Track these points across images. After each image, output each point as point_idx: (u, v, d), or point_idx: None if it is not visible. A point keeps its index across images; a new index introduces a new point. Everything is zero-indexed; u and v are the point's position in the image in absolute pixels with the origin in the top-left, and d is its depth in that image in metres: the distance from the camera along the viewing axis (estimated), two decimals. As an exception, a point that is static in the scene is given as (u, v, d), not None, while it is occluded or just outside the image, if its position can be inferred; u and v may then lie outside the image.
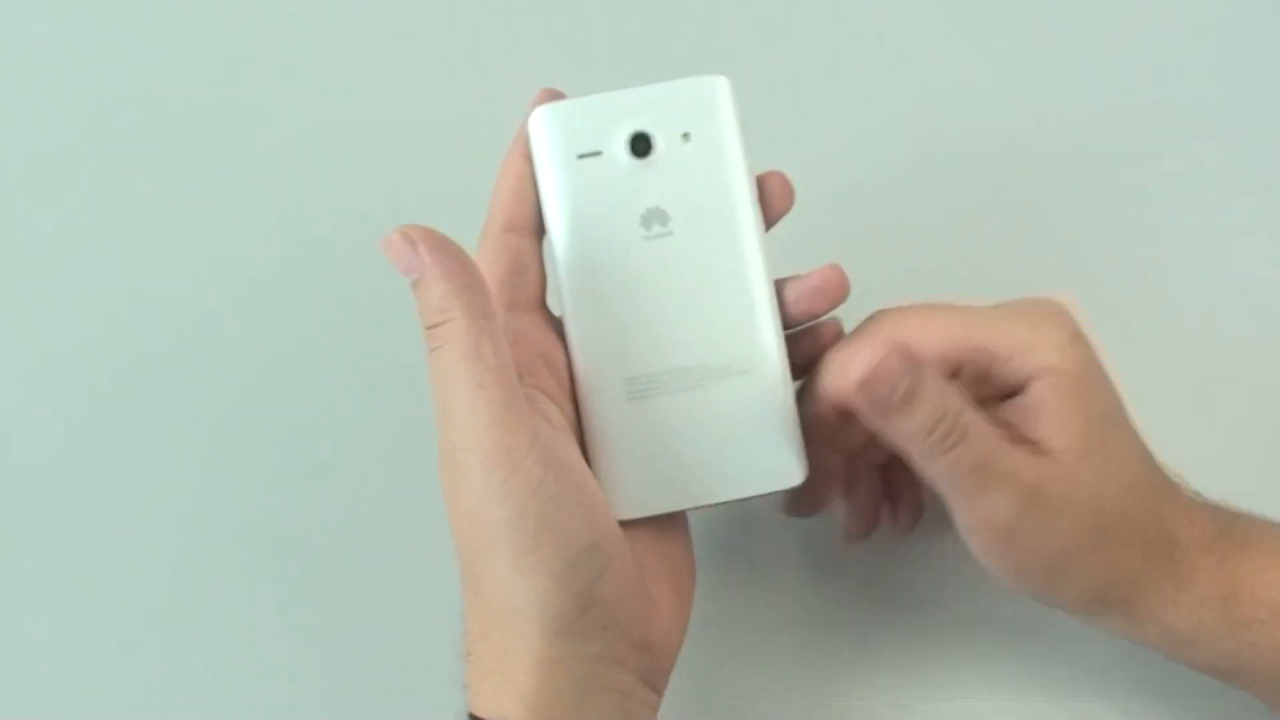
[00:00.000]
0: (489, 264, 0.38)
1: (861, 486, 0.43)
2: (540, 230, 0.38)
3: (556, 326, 0.39)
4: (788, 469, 0.38)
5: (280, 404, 0.48)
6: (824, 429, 0.39)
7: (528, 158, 0.38)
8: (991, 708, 0.44)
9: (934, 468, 0.36)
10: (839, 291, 0.39)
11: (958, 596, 0.45)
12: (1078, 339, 0.37)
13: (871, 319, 0.39)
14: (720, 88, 0.38)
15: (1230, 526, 0.38)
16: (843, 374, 0.36)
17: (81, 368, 0.48)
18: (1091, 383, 0.37)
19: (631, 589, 0.36)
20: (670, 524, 0.39)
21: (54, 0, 0.52)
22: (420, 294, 0.34)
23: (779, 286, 0.39)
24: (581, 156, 0.38)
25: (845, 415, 0.37)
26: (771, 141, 0.39)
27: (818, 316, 0.39)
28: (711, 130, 0.38)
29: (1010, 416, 0.37)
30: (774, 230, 0.39)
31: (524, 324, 0.38)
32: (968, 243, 0.49)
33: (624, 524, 0.37)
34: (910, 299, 0.39)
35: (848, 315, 0.39)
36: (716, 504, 0.38)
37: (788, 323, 0.39)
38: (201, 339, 0.49)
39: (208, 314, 0.49)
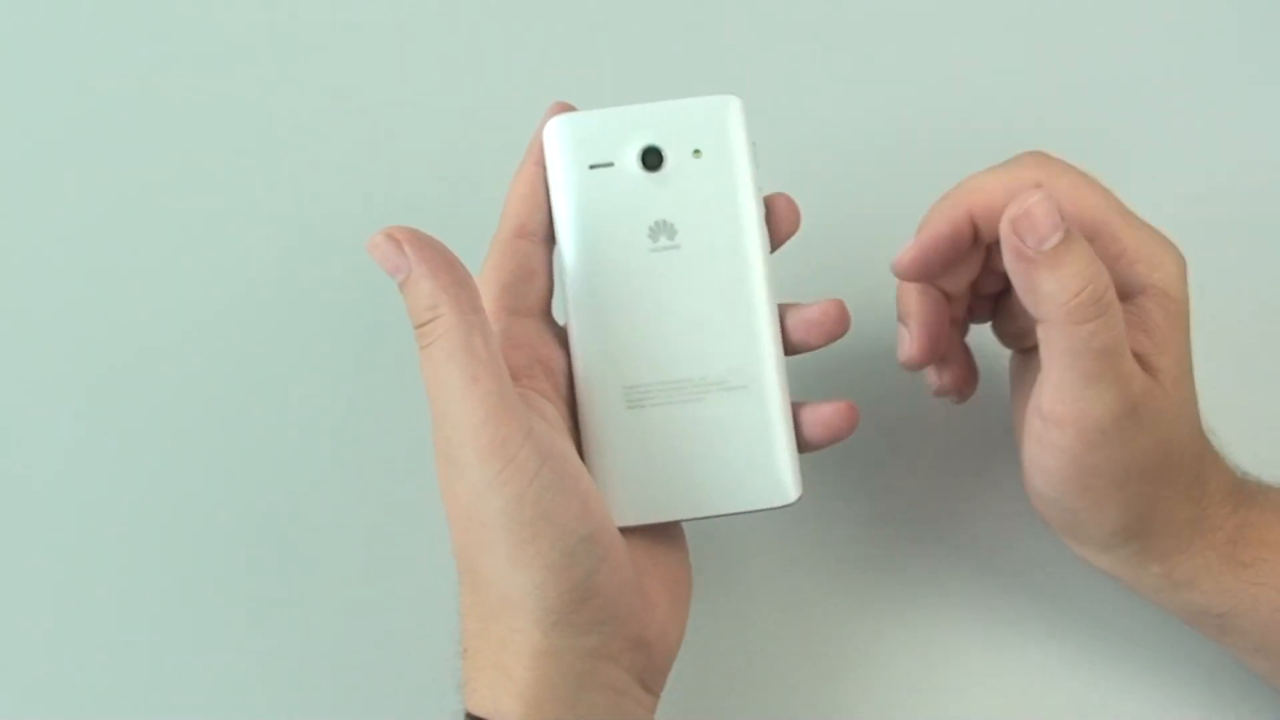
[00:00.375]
0: (497, 268, 0.38)
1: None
2: (550, 238, 0.39)
3: (559, 334, 0.40)
4: (780, 487, 0.39)
5: (278, 406, 0.48)
6: (939, 252, 0.38)
7: (541, 166, 0.39)
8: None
9: (1064, 338, 0.34)
10: (838, 327, 0.39)
11: (958, 603, 0.45)
12: (1185, 275, 0.38)
13: (1022, 159, 0.39)
14: (733, 107, 0.39)
15: (1244, 481, 0.40)
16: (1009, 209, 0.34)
17: (82, 367, 0.49)
18: (1186, 322, 0.38)
19: (628, 584, 0.36)
20: (665, 530, 0.39)
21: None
22: (408, 293, 0.34)
23: (780, 312, 0.39)
24: (594, 167, 0.38)
25: (962, 248, 0.38)
26: (777, 157, 0.40)
27: (813, 348, 0.39)
28: (722, 148, 0.38)
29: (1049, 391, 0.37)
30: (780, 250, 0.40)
31: (526, 328, 0.38)
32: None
33: (619, 531, 0.37)
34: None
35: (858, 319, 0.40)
36: (707, 517, 0.39)
37: (784, 349, 0.39)
38: (199, 339, 0.49)
39: (206, 314, 0.49)
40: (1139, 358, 0.36)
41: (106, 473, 0.48)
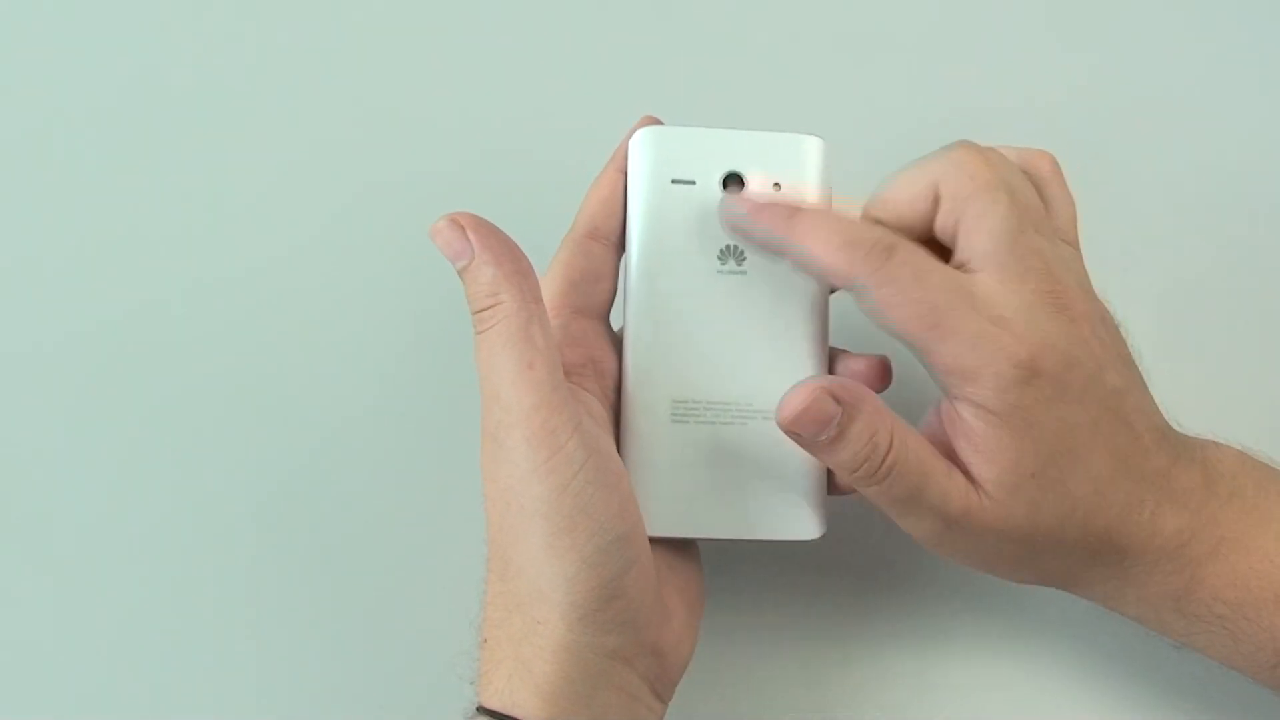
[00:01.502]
0: (566, 265, 0.39)
1: None
2: (620, 244, 0.40)
3: (615, 340, 0.40)
4: (807, 522, 0.39)
5: (289, 399, 0.48)
6: None
7: (623, 173, 0.40)
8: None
9: (862, 492, 0.37)
10: (879, 383, 0.40)
11: (958, 611, 0.45)
12: (1029, 379, 0.35)
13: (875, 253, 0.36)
14: (816, 148, 0.40)
15: (1211, 523, 0.38)
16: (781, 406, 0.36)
17: (83, 366, 0.48)
18: (1032, 424, 0.35)
19: (652, 589, 0.36)
20: (685, 545, 0.40)
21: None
22: (469, 279, 0.35)
23: (830, 355, 0.40)
24: (675, 182, 0.39)
25: None
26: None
27: None
28: (801, 186, 0.39)
29: (946, 419, 0.37)
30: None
31: (585, 328, 0.39)
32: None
33: None
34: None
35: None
36: (732, 540, 0.39)
37: None
38: (207, 334, 0.49)
39: (212, 309, 0.49)
40: (964, 468, 0.36)
41: (111, 469, 0.47)
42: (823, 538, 0.39)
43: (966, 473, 0.36)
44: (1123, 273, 0.43)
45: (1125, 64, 0.52)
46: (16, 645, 0.46)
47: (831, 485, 0.40)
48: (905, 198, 0.38)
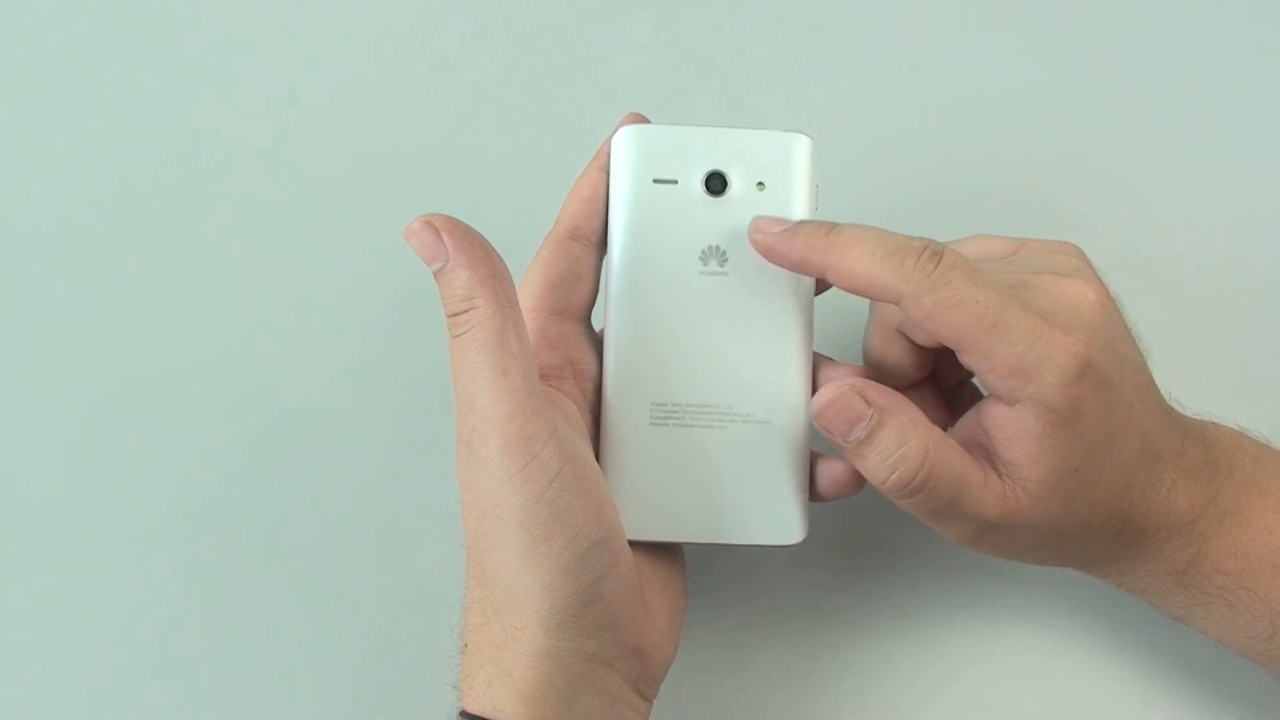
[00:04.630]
0: (547, 266, 0.39)
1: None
2: (602, 245, 0.39)
3: (595, 341, 0.40)
4: (787, 527, 0.39)
5: (276, 401, 0.48)
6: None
7: (605, 172, 0.39)
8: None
9: (897, 503, 0.37)
10: None
11: (954, 616, 0.45)
12: (1086, 371, 0.35)
13: (913, 250, 0.36)
14: (803, 146, 0.39)
15: (1216, 498, 0.38)
16: (815, 397, 0.37)
17: (83, 367, 0.48)
18: (1083, 417, 0.35)
19: (632, 593, 0.36)
20: (667, 546, 0.40)
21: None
22: (443, 282, 0.34)
23: (814, 360, 0.40)
24: (657, 181, 0.39)
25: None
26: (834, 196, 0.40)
27: None
28: (786, 185, 0.39)
29: (990, 423, 0.37)
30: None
31: (564, 330, 0.39)
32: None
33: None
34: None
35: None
36: (711, 544, 0.39)
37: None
38: (189, 337, 0.48)
39: (197, 313, 0.49)
40: (1009, 466, 0.36)
41: (105, 469, 0.47)
42: (803, 542, 0.39)
43: (1009, 474, 0.36)
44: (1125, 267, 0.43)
45: (1125, 64, 0.51)
46: (12, 645, 0.46)
47: (813, 492, 0.39)
48: None
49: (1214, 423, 0.40)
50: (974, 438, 0.37)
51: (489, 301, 0.34)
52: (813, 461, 0.39)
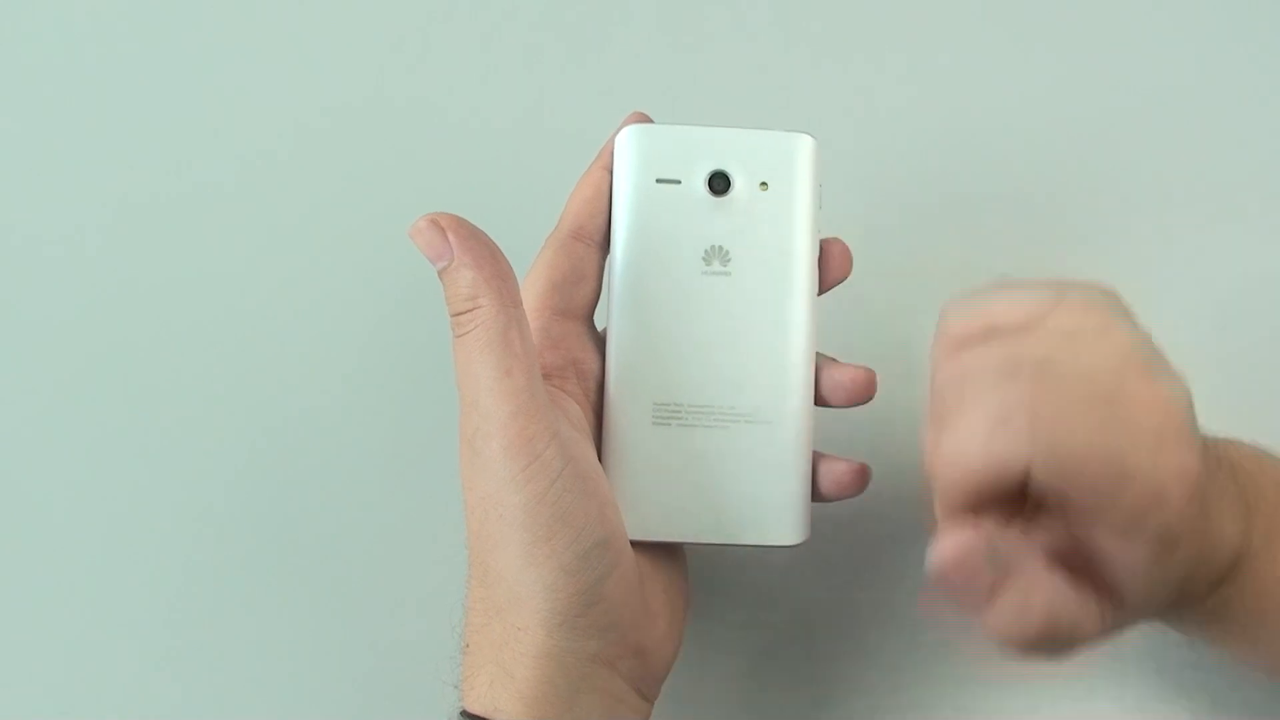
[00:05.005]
0: (550, 265, 0.39)
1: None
2: (605, 245, 0.39)
3: (598, 341, 0.40)
4: (789, 528, 0.39)
5: (277, 402, 0.48)
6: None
7: (608, 171, 0.39)
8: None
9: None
10: (863, 395, 0.39)
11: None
12: (1198, 484, 0.33)
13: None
14: (806, 147, 0.39)
15: (1245, 535, 0.36)
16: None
17: (84, 367, 0.48)
18: (1179, 534, 0.33)
19: (634, 593, 0.36)
20: (669, 546, 0.40)
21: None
22: (448, 281, 0.34)
23: (816, 361, 0.39)
24: (660, 181, 0.38)
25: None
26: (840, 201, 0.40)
27: (835, 407, 0.40)
28: (789, 185, 0.39)
29: (1098, 551, 0.34)
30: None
31: (567, 330, 0.39)
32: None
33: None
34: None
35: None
36: (713, 544, 0.39)
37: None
38: (185, 334, 0.48)
39: (192, 310, 0.49)
40: (1113, 590, 0.34)
41: (111, 472, 0.47)
42: (805, 543, 0.39)
43: (1107, 592, 0.34)
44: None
45: (1130, 68, 0.51)
46: (15, 645, 0.46)
47: (816, 493, 0.39)
48: None
49: (1234, 443, 0.38)
50: (1073, 551, 0.34)
51: (493, 301, 0.34)
52: (815, 462, 0.39)
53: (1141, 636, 0.43)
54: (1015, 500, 0.33)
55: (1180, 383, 0.34)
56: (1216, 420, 0.40)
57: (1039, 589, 0.33)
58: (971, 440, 0.32)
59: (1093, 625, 0.34)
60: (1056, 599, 0.33)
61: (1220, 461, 0.36)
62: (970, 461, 0.32)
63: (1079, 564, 0.34)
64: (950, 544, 0.32)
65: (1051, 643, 0.34)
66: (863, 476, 0.39)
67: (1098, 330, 0.34)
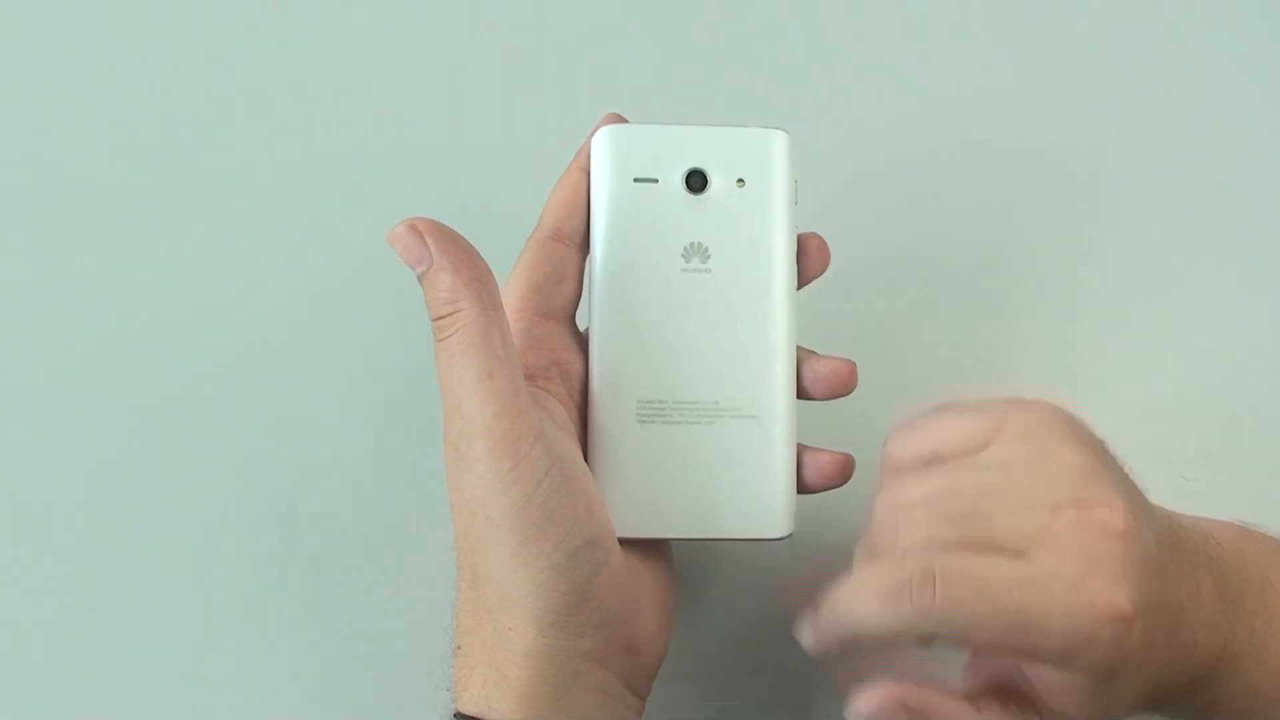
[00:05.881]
0: (530, 267, 0.39)
1: None
2: (584, 246, 0.39)
3: (580, 341, 0.40)
4: (775, 521, 0.39)
5: (259, 407, 0.48)
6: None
7: (586, 172, 0.39)
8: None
9: None
10: (844, 386, 0.40)
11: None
12: (1132, 624, 0.33)
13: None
14: (781, 142, 0.39)
15: (1230, 639, 0.36)
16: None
17: (85, 368, 0.48)
18: (1132, 657, 0.33)
19: (624, 591, 0.36)
20: (657, 543, 0.40)
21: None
22: (428, 285, 0.34)
23: (798, 355, 0.40)
24: (638, 180, 0.39)
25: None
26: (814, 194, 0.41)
27: (817, 399, 0.40)
28: (765, 181, 0.39)
29: (1038, 680, 0.35)
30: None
31: (549, 331, 0.39)
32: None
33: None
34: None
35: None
36: (700, 539, 0.39)
37: None
38: (180, 338, 0.48)
39: (190, 315, 0.49)
40: (1056, 715, 0.35)
41: (103, 471, 0.47)
42: (791, 536, 0.39)
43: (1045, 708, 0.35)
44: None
45: (1111, 64, 0.52)
46: (18, 645, 0.46)
47: (800, 484, 0.40)
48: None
49: (1215, 525, 0.38)
50: (1012, 680, 0.36)
51: (473, 304, 0.34)
52: (799, 454, 0.39)
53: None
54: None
55: (1129, 496, 0.34)
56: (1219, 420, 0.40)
57: None
58: (866, 605, 0.33)
59: None
60: None
61: (1193, 562, 0.36)
62: (860, 626, 0.33)
63: (1015, 690, 0.35)
64: (864, 700, 0.34)
65: None
66: (847, 467, 0.39)
67: (1038, 458, 0.34)
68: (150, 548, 0.46)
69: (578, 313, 0.40)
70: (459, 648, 0.37)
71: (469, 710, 0.35)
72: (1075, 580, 0.33)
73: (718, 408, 0.39)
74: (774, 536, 0.39)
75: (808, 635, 0.35)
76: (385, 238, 0.35)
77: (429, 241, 0.34)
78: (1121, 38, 0.52)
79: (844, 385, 0.39)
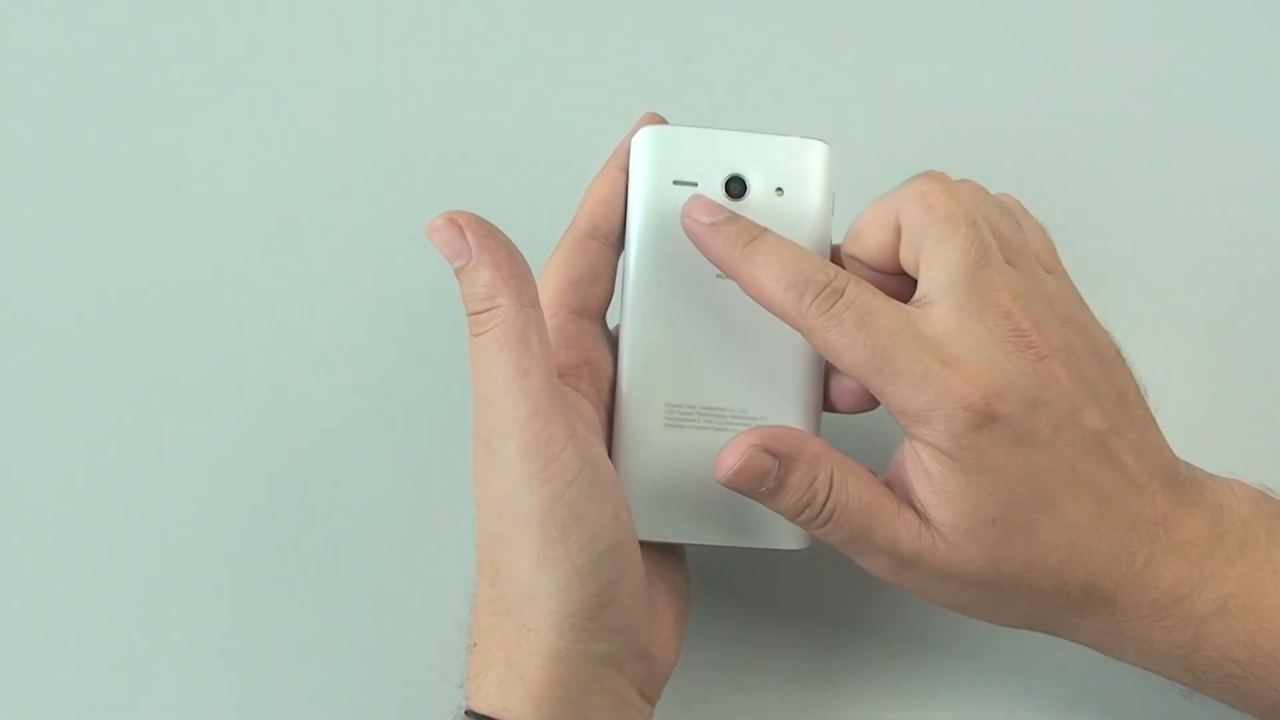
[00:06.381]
0: (564, 264, 0.38)
1: None
2: (619, 244, 0.39)
3: (611, 341, 0.40)
4: (795, 531, 0.39)
5: (276, 402, 0.47)
6: None
7: (624, 172, 0.39)
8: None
9: (810, 533, 0.37)
10: (870, 401, 0.39)
11: (946, 629, 0.45)
12: (983, 424, 0.34)
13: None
14: (821, 153, 0.39)
15: (1216, 579, 0.36)
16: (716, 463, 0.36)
17: (85, 368, 0.48)
18: (991, 470, 0.35)
19: (643, 597, 0.36)
20: (673, 548, 0.40)
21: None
22: (465, 280, 0.34)
23: (825, 368, 0.40)
24: (677, 183, 0.38)
25: None
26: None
27: (841, 413, 0.40)
28: (804, 191, 0.39)
29: (902, 458, 0.37)
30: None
31: (581, 329, 0.39)
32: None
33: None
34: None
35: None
36: (719, 546, 0.39)
37: None
38: (195, 333, 0.48)
39: (202, 308, 0.48)
40: (920, 508, 0.36)
41: (102, 467, 0.47)
42: (809, 548, 0.39)
43: (923, 514, 0.36)
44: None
45: (1139, 69, 0.52)
46: (21, 645, 0.45)
47: (827, 402, 0.39)
48: (871, 232, 0.38)
49: (1231, 485, 0.38)
50: (899, 473, 0.37)
51: (511, 301, 0.34)
52: (827, 376, 0.39)
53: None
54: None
55: (1121, 393, 0.37)
56: (1213, 419, 0.41)
57: (822, 464, 0.36)
58: (768, 283, 0.36)
59: (904, 529, 0.36)
60: (844, 474, 0.36)
61: (1192, 498, 0.37)
62: (750, 293, 0.37)
63: (897, 475, 0.37)
64: (726, 454, 0.36)
65: (841, 520, 0.36)
66: (870, 395, 0.39)
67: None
68: (162, 541, 0.46)
69: (609, 313, 0.40)
70: (474, 645, 0.36)
71: (483, 710, 0.35)
72: (961, 357, 0.35)
73: (745, 415, 0.39)
74: (793, 547, 0.39)
75: (694, 225, 0.37)
76: (424, 230, 0.34)
77: (469, 236, 0.34)
78: (1169, 43, 0.52)
79: (869, 400, 0.39)
